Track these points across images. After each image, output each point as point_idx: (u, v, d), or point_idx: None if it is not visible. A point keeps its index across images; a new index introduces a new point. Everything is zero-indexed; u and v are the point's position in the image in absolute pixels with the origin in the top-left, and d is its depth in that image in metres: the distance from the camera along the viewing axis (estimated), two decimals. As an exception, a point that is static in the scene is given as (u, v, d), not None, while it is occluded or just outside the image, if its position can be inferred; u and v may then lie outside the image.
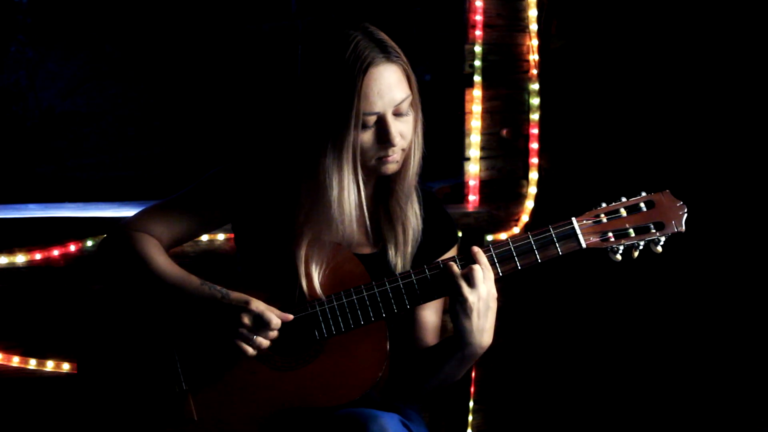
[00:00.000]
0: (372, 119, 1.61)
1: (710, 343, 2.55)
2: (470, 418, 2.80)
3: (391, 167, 1.67)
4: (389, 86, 1.60)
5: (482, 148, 2.75)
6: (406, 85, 1.64)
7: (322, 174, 1.63)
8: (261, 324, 1.60)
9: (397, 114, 1.63)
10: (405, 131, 1.65)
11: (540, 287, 2.81)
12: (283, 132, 1.83)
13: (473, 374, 2.79)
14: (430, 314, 1.82)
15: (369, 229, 1.74)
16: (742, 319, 2.48)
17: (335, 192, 1.62)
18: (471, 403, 2.80)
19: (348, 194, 1.63)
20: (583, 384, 2.85)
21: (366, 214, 1.69)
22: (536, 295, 2.82)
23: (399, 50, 1.64)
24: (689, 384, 2.60)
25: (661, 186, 1.68)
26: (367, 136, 1.62)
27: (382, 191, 1.76)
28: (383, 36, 1.64)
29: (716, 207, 2.47)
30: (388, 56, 1.61)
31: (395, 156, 1.65)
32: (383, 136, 1.62)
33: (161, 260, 1.70)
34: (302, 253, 1.67)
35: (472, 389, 2.79)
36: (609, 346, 2.79)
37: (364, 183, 1.67)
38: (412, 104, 1.66)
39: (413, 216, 1.76)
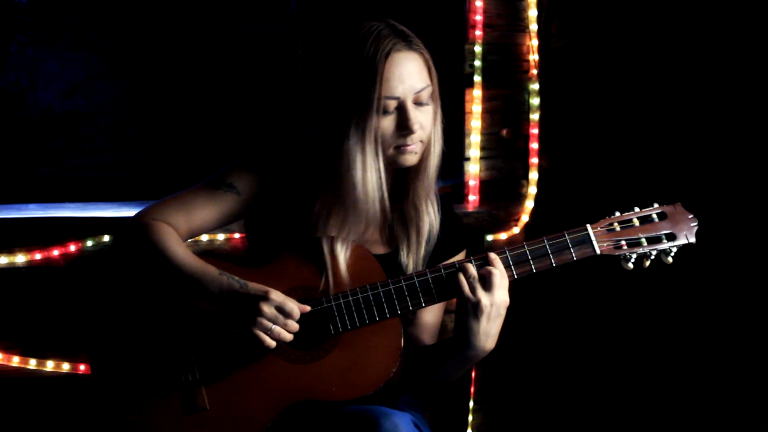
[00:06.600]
0: (392, 104, 1.63)
1: (710, 344, 2.55)
2: (470, 418, 2.80)
3: (410, 158, 1.68)
4: (410, 73, 1.63)
5: (482, 148, 2.75)
6: (427, 75, 1.67)
7: (345, 157, 1.64)
8: (282, 314, 1.60)
9: (417, 103, 1.66)
10: (424, 122, 1.67)
11: (540, 289, 2.81)
12: (300, 123, 1.84)
13: (473, 374, 2.79)
14: (429, 315, 1.82)
15: (389, 212, 1.73)
16: (742, 320, 2.48)
17: (359, 173, 1.64)
18: (471, 403, 2.80)
19: (371, 175, 1.65)
20: (583, 384, 2.85)
21: (386, 195, 1.70)
22: (536, 296, 2.82)
23: (421, 43, 1.68)
24: (689, 384, 2.60)
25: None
26: (387, 123, 1.64)
27: (398, 191, 1.76)
28: (405, 29, 1.68)
29: (713, 209, 2.47)
30: (409, 45, 1.65)
31: (414, 146, 1.67)
32: (402, 123, 1.64)
33: (179, 249, 1.68)
34: (326, 244, 1.68)
35: (472, 389, 2.79)
36: (608, 346, 2.79)
37: (386, 170, 1.68)
38: (432, 96, 1.68)
39: (431, 215, 1.76)
